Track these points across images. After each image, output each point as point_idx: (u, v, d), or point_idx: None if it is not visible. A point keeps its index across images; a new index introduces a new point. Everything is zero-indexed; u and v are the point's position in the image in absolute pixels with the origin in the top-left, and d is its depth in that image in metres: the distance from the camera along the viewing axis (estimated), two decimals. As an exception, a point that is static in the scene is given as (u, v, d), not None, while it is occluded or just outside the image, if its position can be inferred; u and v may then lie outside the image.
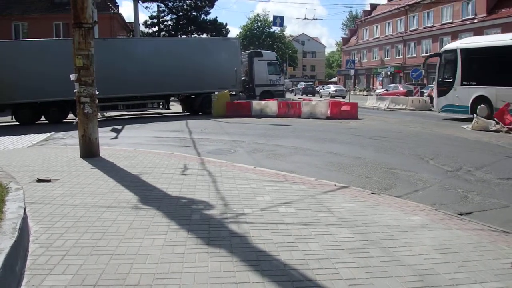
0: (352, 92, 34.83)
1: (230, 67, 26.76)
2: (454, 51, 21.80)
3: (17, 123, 23.51)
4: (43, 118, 24.05)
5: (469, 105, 20.51)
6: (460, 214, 6.24)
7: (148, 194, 7.07)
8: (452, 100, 21.48)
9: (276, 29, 69.46)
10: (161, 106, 26.51)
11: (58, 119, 23.84)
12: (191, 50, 26.80)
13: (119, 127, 20.08)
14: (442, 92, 22.19)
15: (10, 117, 23.97)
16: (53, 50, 23.30)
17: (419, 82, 41.90)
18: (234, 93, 27.81)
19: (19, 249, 4.26)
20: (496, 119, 17.12)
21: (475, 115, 17.62)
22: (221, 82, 26.12)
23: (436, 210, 6.28)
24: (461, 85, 20.95)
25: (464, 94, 20.73)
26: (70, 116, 23.43)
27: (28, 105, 23.11)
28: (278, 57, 33.97)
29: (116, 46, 25.92)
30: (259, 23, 74.15)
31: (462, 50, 21.25)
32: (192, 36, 55.97)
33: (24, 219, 4.94)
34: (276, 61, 32.11)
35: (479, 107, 20.02)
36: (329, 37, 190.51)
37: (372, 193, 7.21)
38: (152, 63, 24.89)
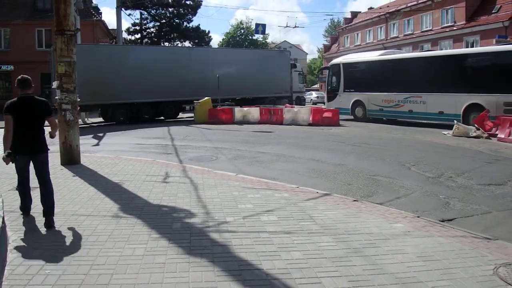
0: (334, 98, 35.94)
1: (284, 75, 31.83)
2: (338, 65, 26.76)
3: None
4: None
5: (350, 107, 25.48)
6: (442, 221, 6.27)
7: (129, 203, 7.01)
8: (338, 104, 25.83)
9: (258, 36, 69.45)
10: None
11: (173, 116, 28.06)
12: (254, 60, 31.34)
13: (100, 134, 19.91)
14: (331, 97, 27.08)
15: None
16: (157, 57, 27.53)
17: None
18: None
19: (-3, 259, 4.19)
20: (476, 125, 17.32)
21: (455, 121, 17.94)
22: (277, 88, 31.30)
23: (418, 217, 6.31)
24: (344, 92, 26.02)
25: (346, 99, 25.74)
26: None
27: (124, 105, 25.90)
28: (302, 69, 39.77)
29: (198, 55, 30.17)
30: (242, 30, 74.19)
31: (343, 64, 26.44)
32: (175, 43, 55.99)
33: (3, 229, 4.87)
34: (302, 71, 37.78)
35: (356, 109, 25.27)
36: (310, 44, 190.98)
37: (355, 200, 7.22)
38: (223, 71, 27.87)
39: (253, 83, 29.52)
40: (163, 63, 26.74)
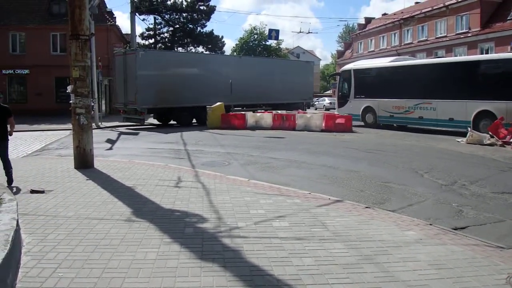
0: (347, 105, 36.18)
1: (309, 83, 35.36)
2: (349, 71, 27.06)
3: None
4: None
5: (360, 113, 25.75)
6: (455, 229, 6.22)
7: (142, 207, 7.05)
8: (348, 110, 26.01)
9: (272, 42, 69.33)
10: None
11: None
12: (287, 69, 33.85)
13: (114, 138, 20.04)
14: (342, 103, 27.49)
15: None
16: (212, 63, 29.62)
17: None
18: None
19: (11, 261, 4.22)
20: (490, 133, 17.19)
21: (469, 128, 17.85)
22: (303, 94, 34.15)
23: (430, 224, 6.27)
24: (355, 98, 26.27)
25: (356, 105, 25.99)
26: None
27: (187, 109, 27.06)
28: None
29: (245, 63, 33.01)
30: (255, 36, 74.16)
31: (354, 70, 26.69)
32: (189, 48, 56.22)
33: (17, 231, 4.90)
34: None
35: (366, 115, 25.54)
36: (323, 49, 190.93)
37: (367, 207, 7.19)
38: (263, 78, 30.74)
39: (286, 89, 32.06)
40: (218, 69, 28.67)
